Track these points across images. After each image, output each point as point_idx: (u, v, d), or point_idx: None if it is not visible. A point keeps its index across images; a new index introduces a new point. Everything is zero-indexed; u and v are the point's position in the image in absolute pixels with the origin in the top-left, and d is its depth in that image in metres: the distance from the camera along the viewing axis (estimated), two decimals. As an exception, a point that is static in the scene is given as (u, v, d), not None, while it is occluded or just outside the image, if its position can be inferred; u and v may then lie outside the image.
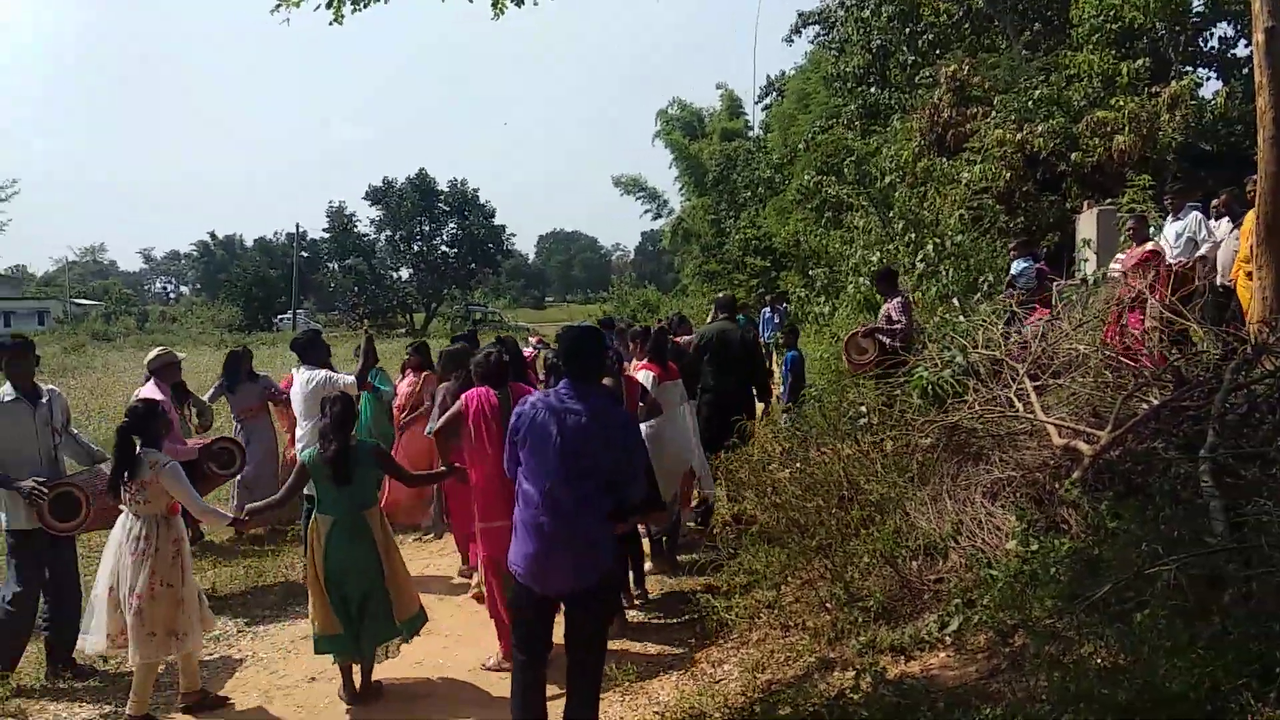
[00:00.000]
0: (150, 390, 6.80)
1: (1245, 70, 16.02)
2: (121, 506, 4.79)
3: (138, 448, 4.76)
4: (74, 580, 5.58)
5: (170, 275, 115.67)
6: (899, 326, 8.67)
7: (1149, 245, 8.52)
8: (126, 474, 4.69)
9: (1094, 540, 4.05)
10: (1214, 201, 9.24)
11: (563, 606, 4.02)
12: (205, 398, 8.11)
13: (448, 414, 5.55)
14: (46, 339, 40.20)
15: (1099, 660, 3.18)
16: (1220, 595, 3.13)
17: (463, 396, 5.54)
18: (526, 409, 3.97)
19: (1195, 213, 8.96)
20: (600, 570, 3.96)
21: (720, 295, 8.61)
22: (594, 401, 3.98)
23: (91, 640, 4.83)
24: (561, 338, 4.26)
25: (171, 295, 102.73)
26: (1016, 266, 10.29)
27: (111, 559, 4.79)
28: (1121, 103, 14.09)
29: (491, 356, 5.58)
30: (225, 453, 6.46)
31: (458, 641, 5.86)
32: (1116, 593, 3.37)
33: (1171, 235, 9.02)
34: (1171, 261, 8.36)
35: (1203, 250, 8.63)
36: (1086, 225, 11.34)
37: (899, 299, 8.94)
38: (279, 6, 5.87)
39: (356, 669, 5.05)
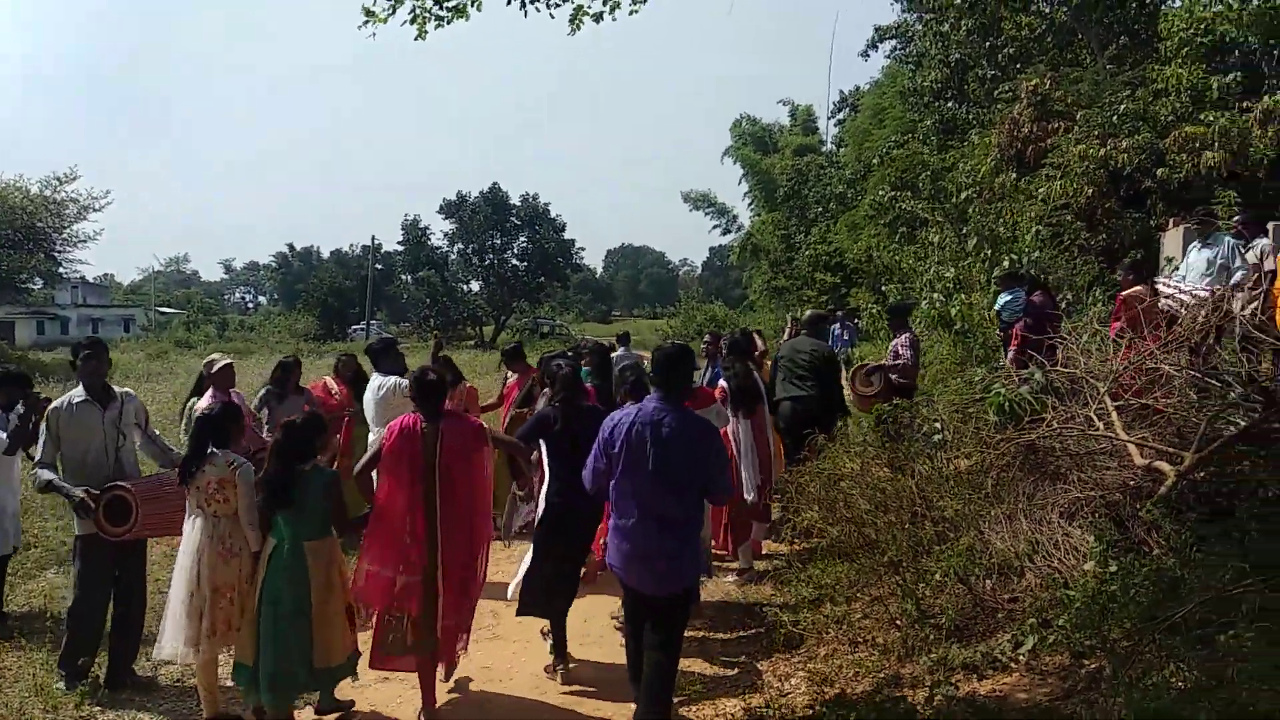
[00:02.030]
0: (206, 402, 6.70)
1: (1344, 84, 15.42)
2: (199, 509, 4.79)
3: (210, 447, 4.80)
4: (142, 588, 5.55)
5: (249, 285, 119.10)
6: (904, 363, 8.97)
7: (1132, 290, 7.99)
8: (195, 471, 4.73)
9: (1176, 562, 3.95)
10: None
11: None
12: (253, 405, 7.93)
13: (369, 453, 5.14)
14: (132, 346, 41.76)
15: (1179, 683, 3.11)
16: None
17: (389, 425, 5.12)
18: (621, 421, 4.21)
19: (1228, 238, 8.56)
20: (685, 578, 4.22)
21: (808, 312, 8.80)
22: (682, 414, 4.24)
23: (168, 649, 4.67)
24: (655, 354, 4.48)
25: (250, 305, 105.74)
26: (1002, 299, 10.20)
27: (190, 564, 4.71)
28: (1211, 118, 13.66)
29: (423, 376, 5.06)
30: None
31: (525, 648, 5.90)
32: (1199, 615, 3.29)
33: (1201, 263, 8.56)
34: (1200, 291, 7.74)
35: (1236, 278, 8.10)
36: (1171, 243, 11.05)
37: (908, 335, 9.25)
38: (366, 22, 6.04)
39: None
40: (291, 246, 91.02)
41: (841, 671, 4.66)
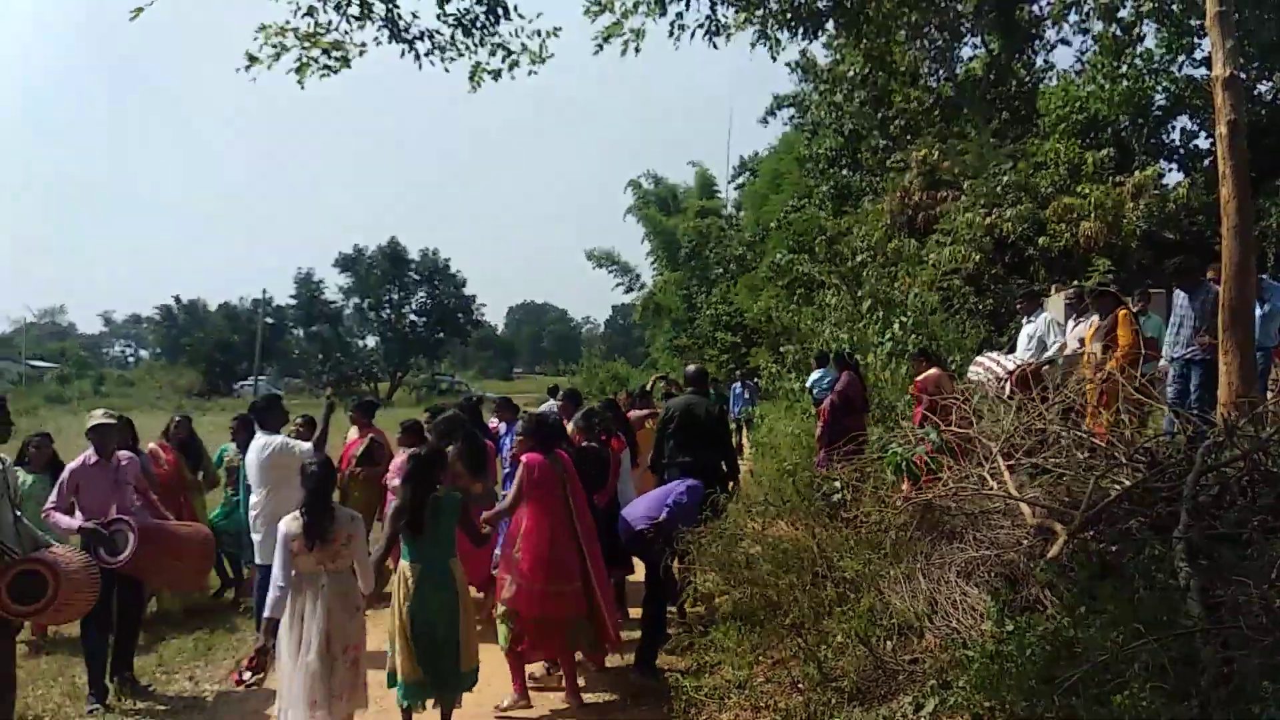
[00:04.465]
0: (78, 463, 6.09)
1: (1207, 162, 16.56)
2: (319, 566, 4.76)
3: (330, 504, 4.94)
4: (10, 677, 4.95)
5: (130, 339, 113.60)
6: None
7: (926, 375, 8.72)
8: (329, 528, 4.79)
9: (1069, 621, 4.00)
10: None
11: None
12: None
13: (516, 483, 5.77)
14: None
15: (1078, 745, 3.11)
16: (1198, 677, 3.08)
17: (524, 460, 5.78)
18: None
19: (1045, 314, 9.29)
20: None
21: (690, 368, 8.49)
22: None
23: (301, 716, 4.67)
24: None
25: (131, 359, 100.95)
26: (812, 377, 10.79)
27: (317, 625, 4.69)
28: (1087, 190, 14.49)
29: (549, 419, 6.12)
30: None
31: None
32: (1094, 674, 3.32)
33: (1023, 338, 9.28)
34: (1017, 364, 8.62)
35: (1049, 353, 8.80)
36: (1053, 307, 11.53)
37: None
38: (247, 67, 5.90)
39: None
40: (177, 298, 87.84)
41: (744, 738, 4.56)
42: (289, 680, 4.70)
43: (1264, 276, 8.19)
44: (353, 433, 8.84)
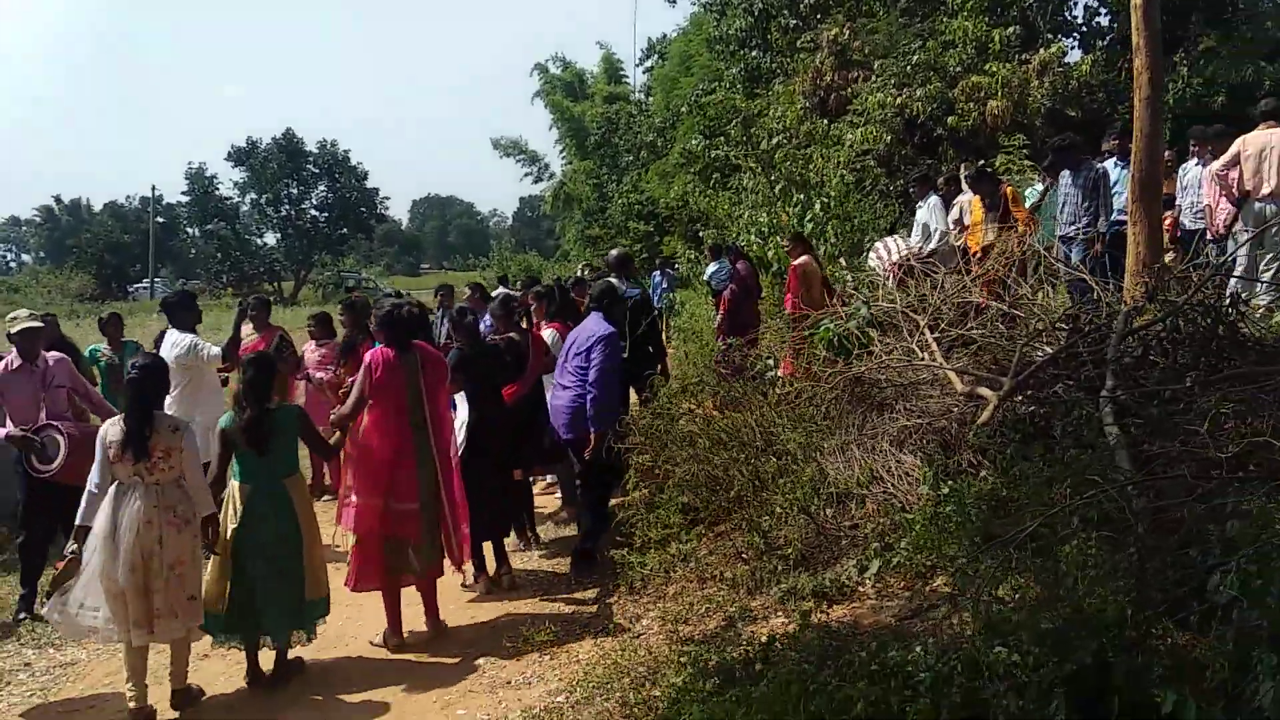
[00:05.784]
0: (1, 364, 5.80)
1: (1108, 38, 16.79)
2: (136, 478, 4.33)
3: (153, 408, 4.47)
4: None
5: (10, 243, 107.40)
6: None
7: (800, 261, 8.86)
8: (149, 437, 4.33)
9: (1003, 482, 4.18)
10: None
11: None
12: None
13: (357, 384, 5.09)
14: None
15: (1021, 595, 3.28)
16: (1135, 527, 3.25)
17: (366, 358, 5.18)
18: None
19: (934, 198, 9.31)
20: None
21: (613, 253, 8.43)
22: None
23: (103, 627, 4.32)
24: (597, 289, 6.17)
25: (12, 264, 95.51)
26: (710, 269, 11.14)
27: (129, 538, 4.25)
28: (994, 69, 14.55)
29: (396, 311, 5.23)
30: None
31: (360, 612, 5.64)
32: (1032, 530, 3.48)
33: (916, 224, 9.45)
34: (905, 252, 8.68)
35: (933, 243, 8.84)
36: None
37: None
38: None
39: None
40: (58, 199, 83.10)
41: (693, 609, 4.69)
42: (90, 588, 4.32)
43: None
44: (247, 329, 8.18)
